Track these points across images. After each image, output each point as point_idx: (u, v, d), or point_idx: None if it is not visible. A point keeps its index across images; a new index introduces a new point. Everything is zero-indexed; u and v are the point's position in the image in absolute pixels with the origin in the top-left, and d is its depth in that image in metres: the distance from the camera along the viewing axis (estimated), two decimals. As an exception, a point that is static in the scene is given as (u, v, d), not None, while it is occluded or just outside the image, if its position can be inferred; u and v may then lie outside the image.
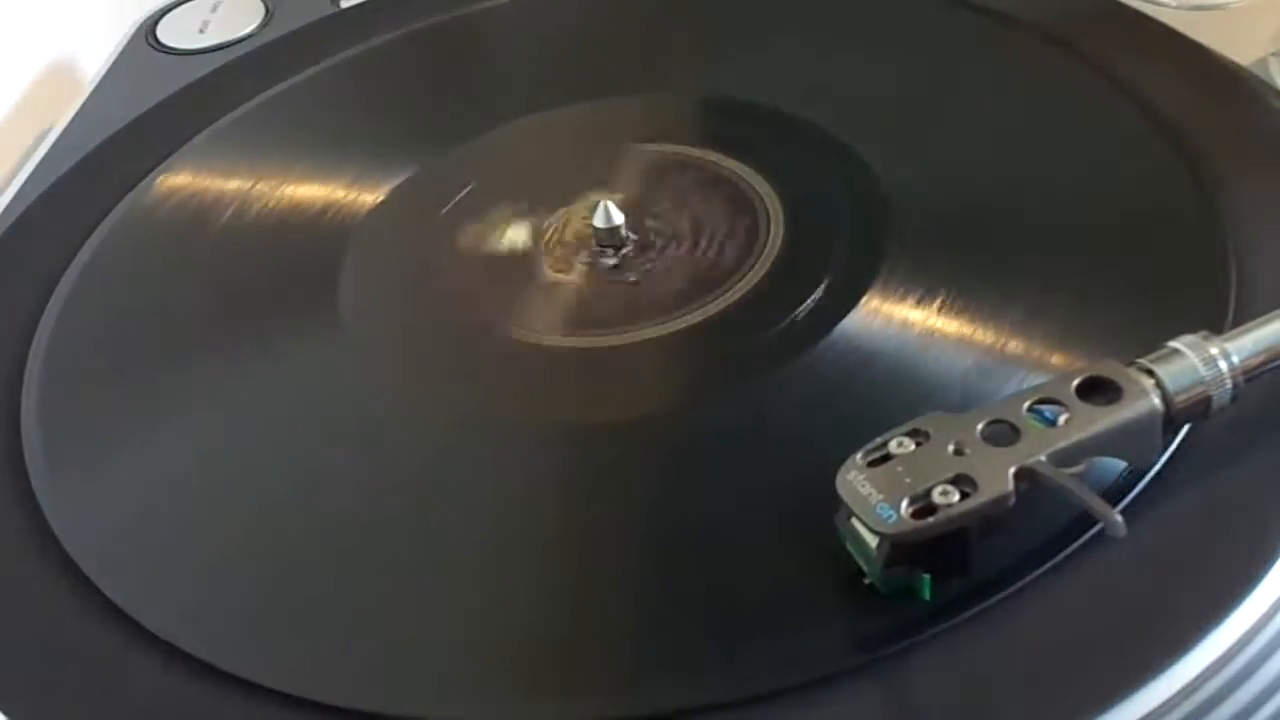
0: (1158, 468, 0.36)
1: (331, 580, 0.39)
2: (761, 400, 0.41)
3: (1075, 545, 0.34)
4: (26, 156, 0.61)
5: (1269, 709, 0.33)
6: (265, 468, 0.43)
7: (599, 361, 0.45)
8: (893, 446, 0.34)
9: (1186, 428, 0.37)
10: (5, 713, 0.36)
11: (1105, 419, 0.34)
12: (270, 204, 0.54)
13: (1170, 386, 0.34)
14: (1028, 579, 0.34)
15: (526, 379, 0.45)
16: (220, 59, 0.65)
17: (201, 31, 0.68)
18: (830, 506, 0.34)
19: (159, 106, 0.62)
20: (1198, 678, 0.32)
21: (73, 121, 0.62)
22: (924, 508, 0.32)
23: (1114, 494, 0.35)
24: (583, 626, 0.36)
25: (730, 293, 0.45)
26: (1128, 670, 0.32)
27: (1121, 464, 0.36)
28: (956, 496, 0.32)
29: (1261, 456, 0.37)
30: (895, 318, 0.43)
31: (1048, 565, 0.34)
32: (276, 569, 0.39)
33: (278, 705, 0.35)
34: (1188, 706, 0.32)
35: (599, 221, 0.48)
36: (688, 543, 0.38)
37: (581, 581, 0.38)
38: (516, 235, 0.49)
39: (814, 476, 0.34)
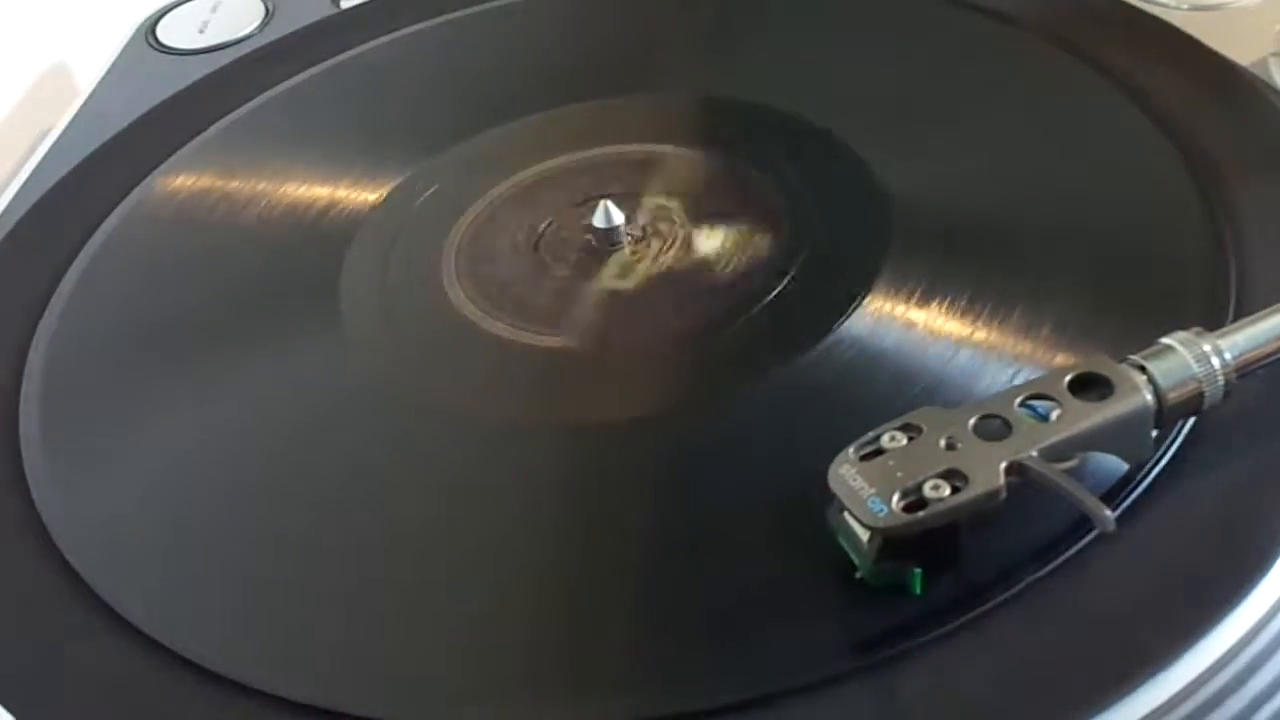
0: (1157, 467, 0.36)
1: (331, 581, 0.39)
2: (762, 401, 0.41)
3: (1074, 546, 0.34)
4: (26, 157, 0.61)
5: (1269, 709, 0.33)
6: (264, 468, 0.43)
7: (599, 362, 0.45)
8: (885, 440, 0.34)
9: (1186, 427, 0.37)
10: (5, 712, 0.36)
11: (1097, 414, 0.34)
12: (270, 204, 0.54)
13: (1162, 383, 0.34)
14: (1027, 580, 0.34)
15: (526, 379, 0.45)
16: (220, 59, 0.65)
17: (201, 31, 0.68)
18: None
19: (159, 106, 0.62)
20: (1198, 678, 0.32)
21: (73, 122, 0.62)
22: (915, 502, 0.32)
23: (1112, 493, 0.35)
24: (580, 628, 0.36)
25: (730, 293, 0.45)
26: (1127, 670, 0.32)
27: (1123, 465, 0.36)
28: (948, 491, 0.32)
29: (1261, 456, 0.36)
30: (895, 318, 0.43)
31: (1047, 566, 0.34)
32: (276, 570, 0.39)
33: (278, 707, 0.35)
34: (1188, 706, 0.32)
35: (599, 221, 0.48)
36: (688, 544, 0.38)
37: (579, 583, 0.37)
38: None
39: (816, 477, 0.34)
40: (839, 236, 0.47)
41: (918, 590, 0.33)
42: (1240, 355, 0.35)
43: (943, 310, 0.43)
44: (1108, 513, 0.31)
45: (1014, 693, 0.32)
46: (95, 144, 0.60)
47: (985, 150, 0.50)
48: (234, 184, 0.56)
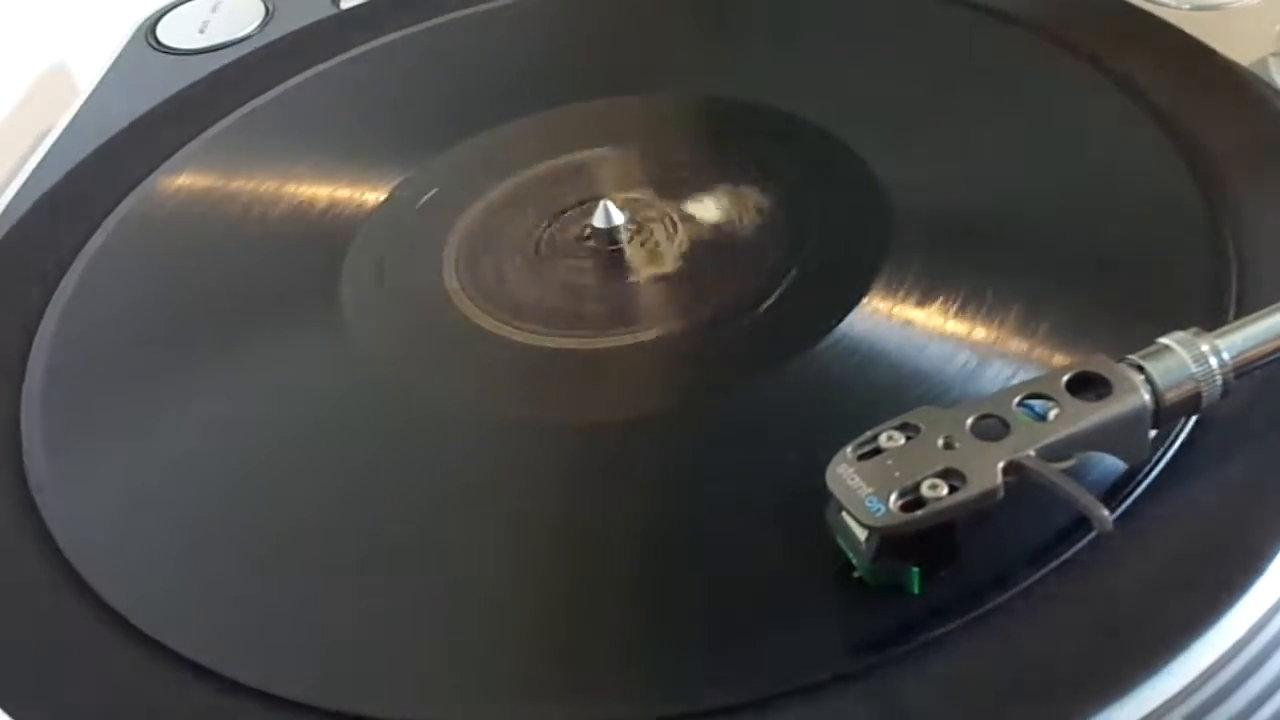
0: (1155, 467, 0.36)
1: (331, 581, 0.39)
2: (762, 401, 0.41)
3: (1073, 546, 0.34)
4: (26, 157, 0.61)
5: (1269, 709, 0.33)
6: (265, 468, 0.43)
7: (599, 361, 0.44)
8: (883, 440, 0.34)
9: (1184, 427, 0.37)
10: (5, 713, 0.36)
11: (1095, 414, 0.34)
12: (271, 204, 0.54)
13: (1160, 382, 0.34)
14: (1025, 580, 0.34)
15: (526, 379, 0.45)
16: (220, 59, 0.65)
17: (201, 31, 0.68)
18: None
19: (159, 107, 0.62)
20: (1198, 678, 0.32)
21: (73, 122, 0.62)
22: (913, 501, 0.32)
23: (1110, 493, 0.35)
24: (579, 628, 0.36)
25: (731, 292, 0.45)
26: (1127, 670, 0.32)
27: (1121, 464, 0.35)
28: (945, 490, 0.32)
29: (1260, 456, 0.36)
30: (895, 318, 0.43)
31: (1047, 566, 0.34)
32: (276, 569, 0.39)
33: (278, 707, 0.35)
34: (1188, 706, 0.32)
35: (599, 221, 0.48)
36: (687, 544, 0.38)
37: (578, 583, 0.37)
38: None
39: (816, 477, 0.34)
40: (838, 236, 0.47)
41: (916, 589, 0.33)
42: (1238, 355, 0.35)
43: (942, 310, 0.43)
44: (1105, 513, 0.31)
45: (1013, 693, 0.32)
46: (95, 144, 0.60)
47: (985, 150, 0.50)
48: (234, 184, 0.56)
